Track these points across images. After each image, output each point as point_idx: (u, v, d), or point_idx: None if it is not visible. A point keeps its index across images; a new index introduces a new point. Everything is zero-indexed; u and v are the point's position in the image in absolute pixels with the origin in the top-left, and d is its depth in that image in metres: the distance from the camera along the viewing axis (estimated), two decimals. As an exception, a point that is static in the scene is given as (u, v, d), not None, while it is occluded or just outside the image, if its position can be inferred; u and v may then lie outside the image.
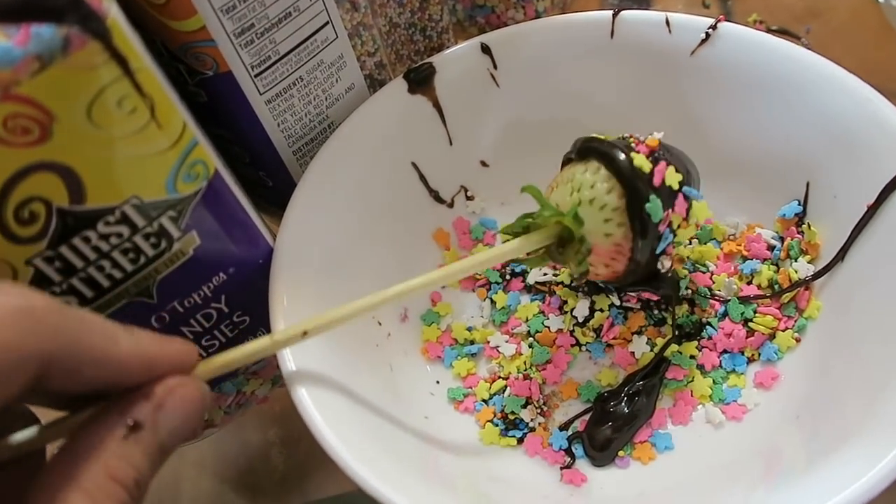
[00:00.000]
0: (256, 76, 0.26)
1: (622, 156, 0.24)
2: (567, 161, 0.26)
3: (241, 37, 0.25)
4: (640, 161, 0.24)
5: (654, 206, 0.23)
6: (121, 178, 0.20)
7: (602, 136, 0.25)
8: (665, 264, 0.25)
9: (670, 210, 0.24)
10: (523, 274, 0.31)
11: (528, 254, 0.25)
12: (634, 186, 0.24)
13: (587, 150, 0.25)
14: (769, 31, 0.39)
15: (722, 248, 0.30)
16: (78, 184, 0.19)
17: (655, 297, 0.29)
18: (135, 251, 0.22)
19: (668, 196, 0.24)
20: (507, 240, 0.25)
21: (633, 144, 0.25)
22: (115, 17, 0.18)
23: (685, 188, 0.25)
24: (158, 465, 0.18)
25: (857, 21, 0.40)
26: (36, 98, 0.17)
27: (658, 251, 0.25)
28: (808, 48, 0.38)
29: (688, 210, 0.25)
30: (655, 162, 0.24)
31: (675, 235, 0.25)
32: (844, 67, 0.26)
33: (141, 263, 0.22)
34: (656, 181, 0.24)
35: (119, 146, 0.20)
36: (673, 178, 0.24)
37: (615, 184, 0.24)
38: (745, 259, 0.29)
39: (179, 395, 0.19)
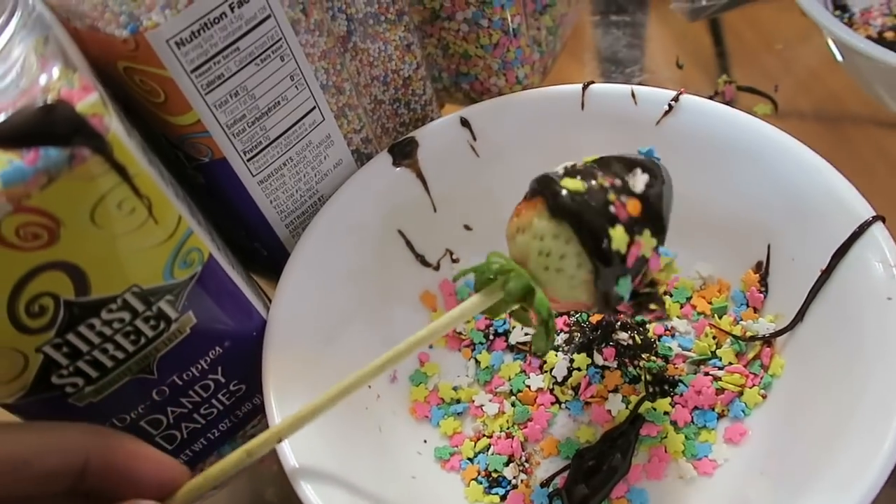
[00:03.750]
0: (249, 160, 0.28)
1: (603, 241, 0.22)
2: (534, 193, 0.24)
3: (233, 127, 0.27)
4: (619, 240, 0.22)
5: (623, 286, 0.23)
6: (122, 270, 0.22)
7: (581, 188, 0.23)
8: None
9: (640, 276, 0.24)
10: (506, 334, 0.33)
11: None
12: (606, 274, 0.23)
13: (562, 208, 0.23)
14: (738, 89, 0.41)
15: (690, 302, 0.32)
16: (83, 278, 0.21)
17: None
18: (136, 333, 0.23)
19: (641, 264, 0.23)
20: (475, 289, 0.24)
21: (613, 210, 0.23)
22: (115, 132, 0.20)
23: (660, 249, 0.24)
24: None
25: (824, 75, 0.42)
26: (45, 208, 0.19)
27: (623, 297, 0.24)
28: (775, 107, 0.40)
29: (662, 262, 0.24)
30: (632, 236, 0.23)
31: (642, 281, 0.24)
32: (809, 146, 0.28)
33: (142, 344, 0.24)
34: (630, 262, 0.23)
35: (120, 243, 0.21)
36: (648, 247, 0.23)
37: (585, 260, 0.23)
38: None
39: None
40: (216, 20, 0.24)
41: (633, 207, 0.23)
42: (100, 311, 0.22)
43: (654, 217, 0.24)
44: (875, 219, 0.25)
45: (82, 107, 0.19)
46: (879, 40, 0.36)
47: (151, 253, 0.23)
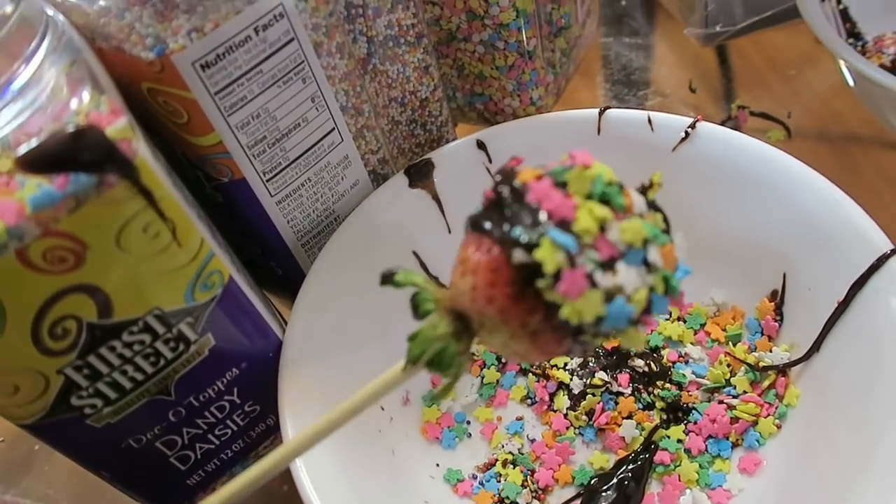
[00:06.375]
0: (268, 181, 0.28)
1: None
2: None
3: (253, 148, 0.27)
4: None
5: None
6: (144, 293, 0.22)
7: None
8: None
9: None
10: (519, 357, 0.33)
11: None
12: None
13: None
14: (752, 115, 0.41)
15: (704, 328, 0.32)
16: (106, 301, 0.21)
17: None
18: (155, 355, 0.23)
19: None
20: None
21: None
22: (143, 156, 0.20)
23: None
24: None
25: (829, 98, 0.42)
26: (72, 232, 0.19)
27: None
28: (788, 134, 0.40)
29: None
30: None
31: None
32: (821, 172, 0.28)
33: (161, 366, 0.24)
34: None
35: (143, 266, 0.22)
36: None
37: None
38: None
39: None
40: (241, 43, 0.24)
41: None
42: (121, 333, 0.22)
43: None
44: (893, 252, 0.25)
45: (112, 131, 0.20)
46: (892, 68, 0.37)
47: (174, 276, 0.23)
